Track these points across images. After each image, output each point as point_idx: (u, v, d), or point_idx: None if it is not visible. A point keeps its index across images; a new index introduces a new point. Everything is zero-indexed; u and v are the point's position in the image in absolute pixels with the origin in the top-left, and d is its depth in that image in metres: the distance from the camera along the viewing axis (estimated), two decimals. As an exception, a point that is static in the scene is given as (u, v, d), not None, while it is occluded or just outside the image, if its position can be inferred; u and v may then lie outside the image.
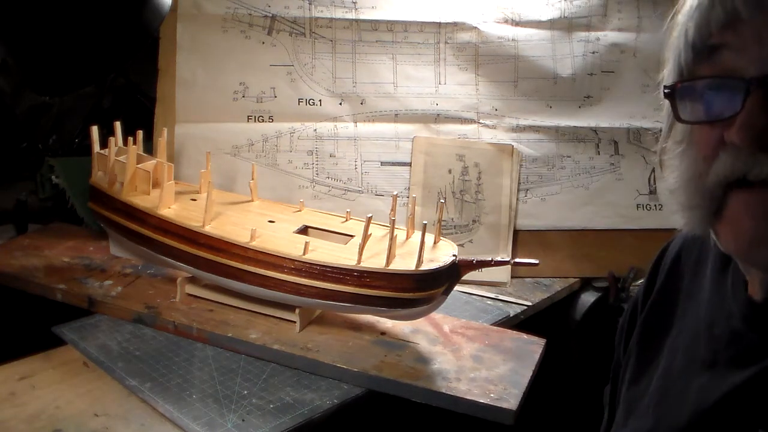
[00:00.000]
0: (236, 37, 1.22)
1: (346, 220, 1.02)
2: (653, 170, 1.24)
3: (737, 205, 0.50)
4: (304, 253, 0.90)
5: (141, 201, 1.00)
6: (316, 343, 0.92)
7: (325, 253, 0.91)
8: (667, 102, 0.55)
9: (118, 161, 1.01)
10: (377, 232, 0.94)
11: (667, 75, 0.56)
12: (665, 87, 0.53)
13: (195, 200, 1.03)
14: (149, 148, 1.09)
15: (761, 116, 0.46)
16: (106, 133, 1.04)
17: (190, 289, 1.00)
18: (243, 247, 0.92)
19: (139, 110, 1.37)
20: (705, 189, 0.51)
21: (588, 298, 1.17)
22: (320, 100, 1.23)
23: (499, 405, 0.82)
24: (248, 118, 1.21)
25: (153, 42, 1.20)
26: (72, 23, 1.14)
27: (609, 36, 1.28)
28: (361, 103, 1.23)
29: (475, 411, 0.83)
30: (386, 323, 0.97)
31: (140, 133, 1.05)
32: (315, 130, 1.22)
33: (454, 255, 0.91)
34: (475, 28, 1.26)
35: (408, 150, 1.22)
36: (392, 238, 0.89)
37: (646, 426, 0.61)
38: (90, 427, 0.76)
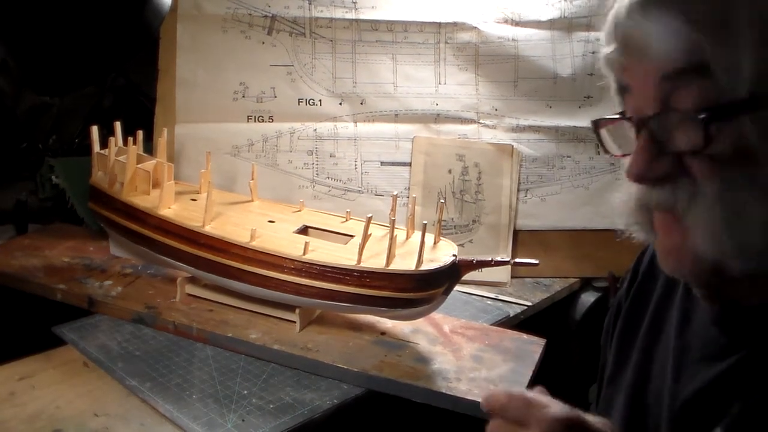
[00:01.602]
0: (236, 37, 1.22)
1: (346, 220, 1.02)
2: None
3: (656, 222, 0.55)
4: (304, 253, 0.90)
5: (141, 201, 1.00)
6: (316, 343, 0.92)
7: (325, 253, 0.91)
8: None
9: (118, 161, 1.01)
10: (377, 232, 0.94)
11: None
12: (592, 122, 0.60)
13: (195, 200, 1.03)
14: (149, 148, 1.09)
15: (645, 155, 0.51)
16: (106, 133, 1.04)
17: (190, 289, 1.00)
18: (243, 247, 0.92)
19: (139, 110, 1.37)
20: (632, 206, 0.56)
21: (588, 298, 1.17)
22: (320, 100, 1.23)
23: (499, 405, 0.82)
24: (248, 118, 1.21)
25: (153, 42, 1.20)
26: (72, 23, 1.14)
27: (609, 36, 1.28)
28: (361, 103, 1.23)
29: (475, 411, 0.83)
30: (386, 323, 0.97)
31: (140, 133, 1.05)
32: (315, 130, 1.22)
33: (454, 255, 0.91)
34: (475, 28, 1.26)
35: (408, 150, 1.22)
36: (392, 238, 0.89)
37: (621, 421, 0.62)
38: (90, 427, 0.76)
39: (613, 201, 0.60)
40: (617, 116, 0.57)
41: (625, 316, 0.69)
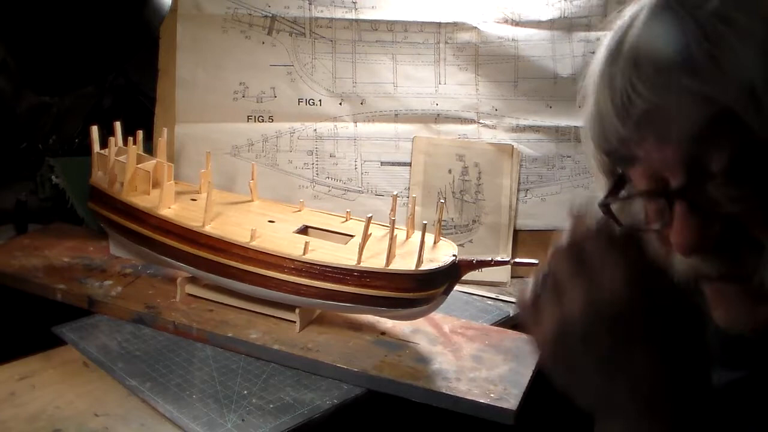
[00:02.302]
0: (236, 37, 1.22)
1: (346, 220, 1.02)
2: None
3: (711, 295, 0.51)
4: (304, 253, 0.90)
5: (141, 201, 1.00)
6: (316, 343, 0.92)
7: (325, 253, 0.91)
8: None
9: (118, 161, 1.01)
10: (377, 232, 0.94)
11: (596, 174, 0.56)
12: (600, 204, 0.54)
13: (195, 200, 1.03)
14: (149, 148, 1.09)
15: (690, 227, 0.48)
16: (106, 133, 1.04)
17: (190, 289, 1.00)
18: (243, 247, 0.92)
19: (139, 110, 1.37)
20: (678, 277, 0.51)
21: (588, 298, 1.17)
22: (320, 100, 1.23)
23: (499, 405, 0.82)
24: (248, 118, 1.21)
25: (153, 42, 1.20)
26: (72, 23, 1.14)
27: (609, 36, 1.28)
28: (361, 103, 1.23)
29: (475, 411, 0.83)
30: (386, 323, 0.97)
31: (140, 133, 1.05)
32: (315, 130, 1.22)
33: (454, 255, 0.91)
34: (475, 28, 1.26)
35: (408, 150, 1.22)
36: (392, 238, 0.89)
37: None
38: (90, 427, 0.76)
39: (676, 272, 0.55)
40: (635, 193, 0.52)
41: None
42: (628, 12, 0.51)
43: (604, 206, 0.53)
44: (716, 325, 0.54)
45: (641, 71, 0.47)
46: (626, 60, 0.48)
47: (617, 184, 0.54)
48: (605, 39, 0.53)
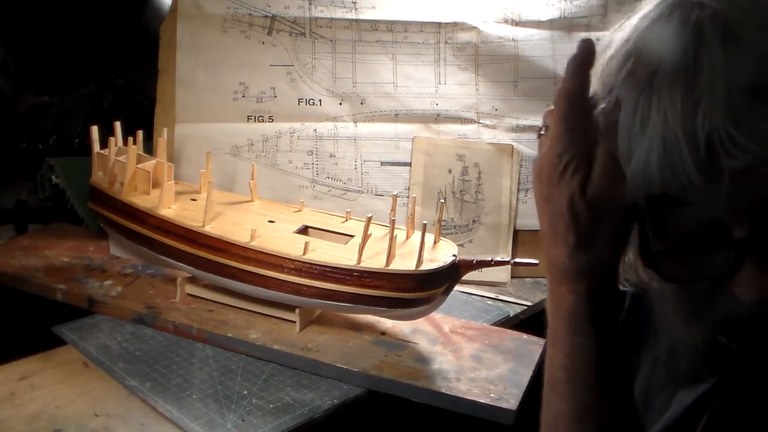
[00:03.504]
0: (236, 37, 1.22)
1: (346, 220, 1.02)
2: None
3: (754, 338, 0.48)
4: (304, 253, 0.90)
5: (141, 201, 1.00)
6: (316, 343, 0.92)
7: (325, 253, 0.91)
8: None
9: (118, 161, 1.01)
10: (377, 232, 0.94)
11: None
12: (644, 258, 0.49)
13: (195, 200, 1.03)
14: (149, 148, 1.09)
15: (762, 275, 0.44)
16: (106, 133, 1.04)
17: (190, 289, 1.00)
18: (243, 247, 0.92)
19: (139, 110, 1.37)
20: (715, 322, 0.49)
21: (588, 298, 1.17)
22: (320, 100, 1.23)
23: (499, 405, 0.82)
24: (248, 118, 1.21)
25: (153, 42, 1.20)
26: (72, 23, 1.14)
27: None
28: (361, 103, 1.23)
29: (475, 411, 0.83)
30: (386, 323, 0.97)
31: (140, 133, 1.05)
32: (315, 130, 1.22)
33: (454, 255, 0.91)
34: (475, 28, 1.26)
35: (408, 150, 1.22)
36: (392, 238, 0.89)
37: None
38: (90, 427, 0.76)
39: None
40: (692, 245, 0.47)
41: (623, 324, 0.68)
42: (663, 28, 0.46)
43: (650, 259, 0.48)
44: (686, 345, 0.52)
45: (738, 115, 0.41)
46: (712, 101, 0.41)
47: (656, 228, 0.48)
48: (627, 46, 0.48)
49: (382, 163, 1.22)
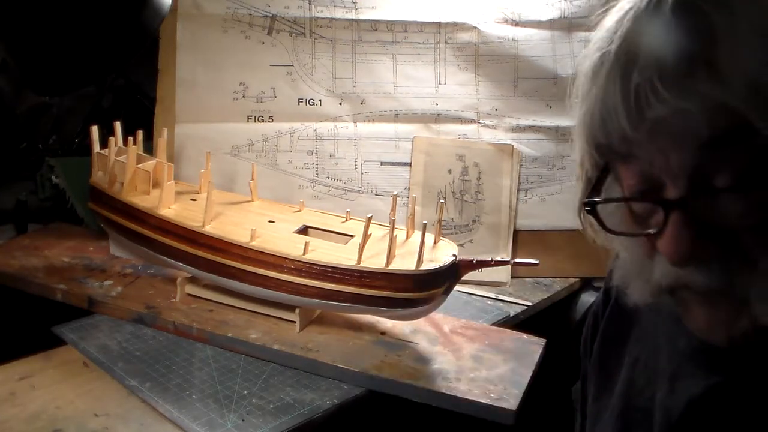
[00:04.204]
0: (236, 37, 1.22)
1: (346, 220, 1.02)
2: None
3: (690, 300, 0.50)
4: (304, 253, 0.90)
5: (141, 201, 1.00)
6: (316, 343, 0.92)
7: (325, 253, 0.91)
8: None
9: (118, 161, 1.01)
10: (377, 232, 0.94)
11: (579, 169, 0.54)
12: (584, 204, 0.52)
13: (195, 200, 1.03)
14: (149, 148, 1.09)
15: (685, 237, 0.46)
16: (106, 133, 1.04)
17: (190, 289, 1.00)
18: (243, 247, 0.92)
19: (139, 110, 1.37)
20: (654, 284, 0.51)
21: (588, 298, 1.17)
22: (320, 100, 1.23)
23: (499, 405, 0.82)
24: (248, 118, 1.21)
25: (153, 42, 1.20)
26: (72, 23, 1.14)
27: (609, 36, 1.28)
28: (361, 103, 1.23)
29: (475, 411, 0.83)
30: (386, 323, 0.97)
31: (140, 133, 1.05)
32: (315, 130, 1.22)
33: (454, 255, 0.91)
34: (475, 28, 1.26)
35: (408, 150, 1.22)
36: (392, 238, 0.89)
37: None
38: (90, 427, 0.76)
39: (626, 276, 0.54)
40: (629, 197, 0.50)
41: (605, 327, 0.67)
42: (632, 4, 0.49)
43: (590, 206, 0.51)
44: (689, 332, 0.54)
45: (665, 73, 0.44)
46: (646, 59, 0.45)
47: (600, 178, 0.52)
48: (604, 31, 0.51)
49: (382, 163, 1.22)
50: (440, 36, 1.26)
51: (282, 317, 0.96)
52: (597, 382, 0.67)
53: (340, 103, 1.23)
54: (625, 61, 0.47)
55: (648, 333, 0.62)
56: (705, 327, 0.51)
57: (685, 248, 0.46)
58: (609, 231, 0.51)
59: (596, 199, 0.52)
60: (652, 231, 0.49)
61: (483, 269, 0.93)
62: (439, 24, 1.25)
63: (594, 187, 0.53)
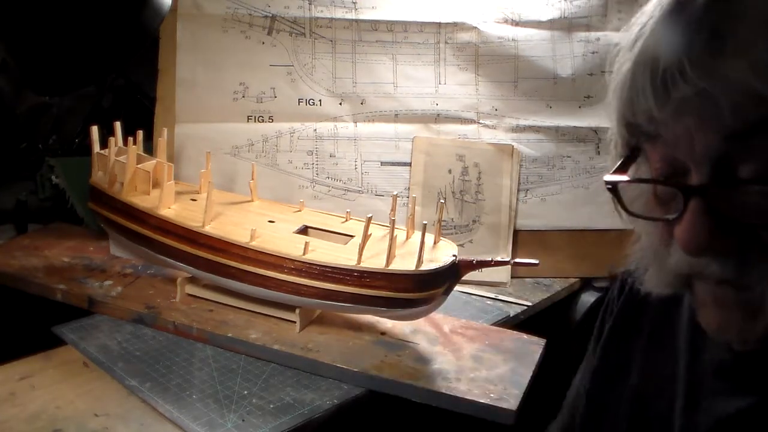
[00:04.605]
0: (236, 37, 1.22)
1: (346, 220, 1.02)
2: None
3: (702, 293, 0.50)
4: (304, 253, 0.90)
5: (141, 201, 1.00)
6: (316, 343, 0.92)
7: (325, 253, 0.91)
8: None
9: (118, 161, 1.01)
10: (377, 232, 0.94)
11: (612, 147, 0.54)
12: (606, 183, 0.51)
13: (195, 200, 1.03)
14: (149, 148, 1.09)
15: (702, 226, 0.45)
16: (106, 133, 1.04)
17: (190, 289, 1.00)
18: (243, 247, 0.92)
19: (139, 110, 1.37)
20: (669, 271, 0.50)
21: (588, 298, 1.17)
22: (320, 100, 1.23)
23: (499, 405, 0.82)
24: (248, 118, 1.21)
25: (153, 42, 1.20)
26: (71, 23, 1.14)
27: (609, 36, 1.28)
28: (361, 103, 1.23)
29: (475, 411, 0.83)
30: (386, 323, 0.97)
31: (140, 133, 1.05)
32: (315, 130, 1.22)
33: (454, 255, 0.91)
34: (475, 28, 1.26)
35: (408, 150, 1.22)
36: (392, 238, 0.89)
37: None
38: (90, 427, 0.76)
39: (641, 260, 0.54)
40: (650, 179, 0.50)
41: (618, 317, 0.67)
42: None
43: (611, 184, 0.51)
44: (714, 345, 0.53)
45: (694, 53, 0.44)
46: (677, 41, 0.45)
47: (629, 158, 0.52)
48: (642, 12, 0.50)
49: (382, 163, 1.22)
50: (440, 36, 1.26)
51: (282, 317, 0.96)
52: (603, 371, 0.66)
53: (340, 103, 1.23)
54: (656, 41, 0.47)
55: (664, 332, 0.61)
56: (716, 325, 0.50)
57: (702, 238, 0.46)
58: (628, 212, 0.51)
59: (616, 178, 0.51)
60: (670, 217, 0.48)
61: (483, 269, 0.93)
62: (439, 24, 1.25)
63: (619, 166, 0.52)
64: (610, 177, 0.51)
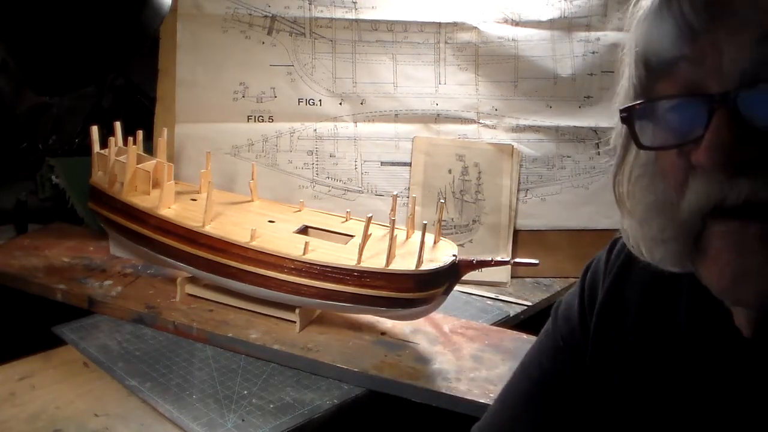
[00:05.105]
0: (236, 37, 1.22)
1: (346, 220, 1.02)
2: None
3: (717, 239, 0.45)
4: (304, 253, 0.90)
5: (141, 201, 1.00)
6: (316, 343, 0.92)
7: (325, 253, 0.91)
8: (618, 127, 0.51)
9: (118, 161, 1.01)
10: (377, 232, 0.94)
11: (622, 96, 0.52)
12: (621, 110, 0.49)
13: (195, 200, 1.03)
14: (149, 148, 1.09)
15: (728, 135, 0.43)
16: (106, 133, 1.04)
17: (190, 289, 1.00)
18: (243, 247, 0.92)
19: (139, 110, 1.37)
20: (680, 221, 0.46)
21: (588, 298, 1.17)
22: (320, 100, 1.23)
23: (499, 405, 0.82)
24: (248, 118, 1.21)
25: (153, 42, 1.20)
26: (72, 23, 1.14)
27: (609, 36, 1.28)
28: (361, 103, 1.23)
29: (475, 411, 0.83)
30: (386, 323, 0.97)
31: (140, 133, 1.05)
32: (315, 130, 1.22)
33: (454, 255, 0.91)
34: (475, 28, 1.26)
35: (408, 150, 1.22)
36: (392, 238, 0.89)
37: None
38: (90, 427, 0.76)
39: (632, 215, 0.51)
40: (672, 96, 0.46)
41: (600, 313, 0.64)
42: None
43: (626, 112, 0.48)
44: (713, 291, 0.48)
45: None
46: None
47: (644, 89, 0.49)
48: None
49: (382, 163, 1.22)
50: (440, 36, 1.26)
51: (282, 317, 0.96)
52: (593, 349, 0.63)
53: (340, 103, 1.23)
54: None
55: (657, 335, 0.58)
56: (731, 277, 0.45)
57: (729, 151, 0.42)
58: (642, 147, 0.48)
59: (636, 102, 0.48)
60: (693, 136, 0.45)
61: (483, 269, 0.93)
62: (439, 24, 1.25)
63: (636, 94, 0.49)
64: (623, 104, 0.49)
